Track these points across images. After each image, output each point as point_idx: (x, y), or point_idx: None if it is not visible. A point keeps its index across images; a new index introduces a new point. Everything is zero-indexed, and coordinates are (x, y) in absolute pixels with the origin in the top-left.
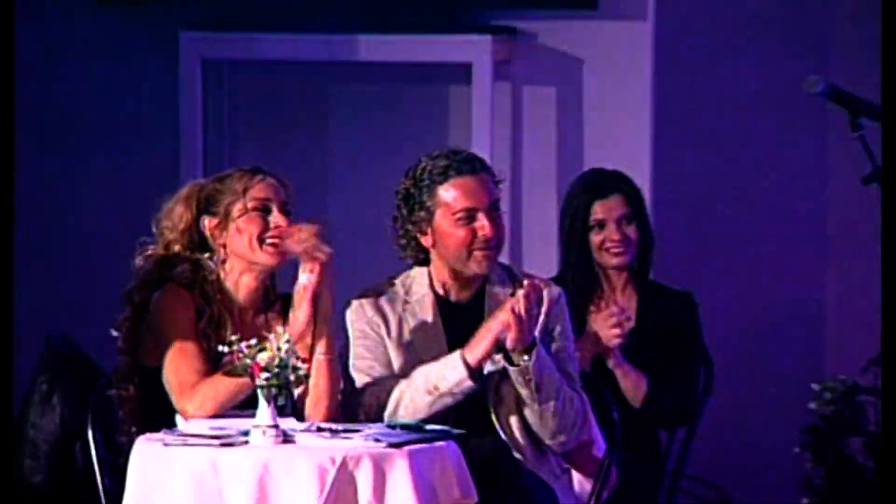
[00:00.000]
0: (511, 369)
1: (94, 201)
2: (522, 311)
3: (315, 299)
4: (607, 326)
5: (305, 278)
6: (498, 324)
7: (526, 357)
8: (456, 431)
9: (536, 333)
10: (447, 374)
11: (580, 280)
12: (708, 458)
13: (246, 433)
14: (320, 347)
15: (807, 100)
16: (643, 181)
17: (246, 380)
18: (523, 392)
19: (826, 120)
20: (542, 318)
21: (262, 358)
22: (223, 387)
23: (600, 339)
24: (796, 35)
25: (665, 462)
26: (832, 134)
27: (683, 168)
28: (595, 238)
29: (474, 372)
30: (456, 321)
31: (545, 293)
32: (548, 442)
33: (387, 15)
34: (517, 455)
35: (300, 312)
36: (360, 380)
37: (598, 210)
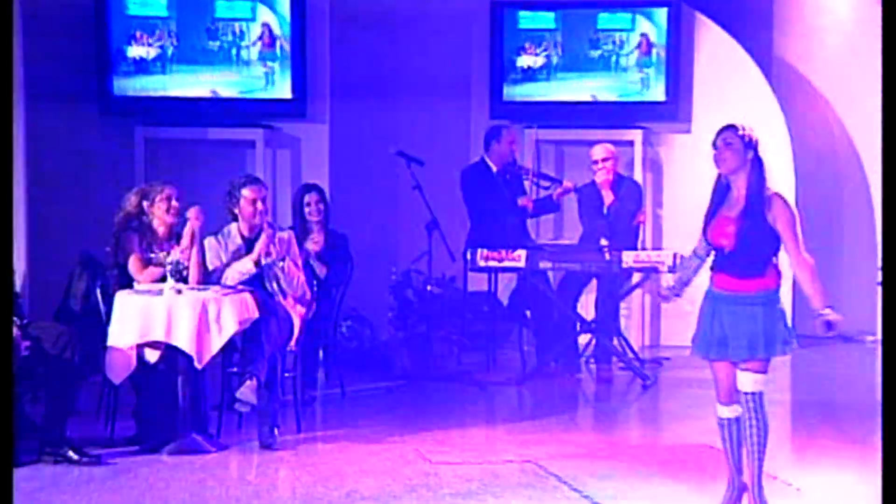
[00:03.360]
0: (271, 267)
1: (97, 205)
2: (273, 241)
3: (193, 236)
4: (314, 248)
5: (188, 226)
6: (263, 246)
7: (281, 263)
8: (250, 289)
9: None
10: (245, 265)
11: (300, 229)
12: (354, 300)
13: (162, 291)
14: (193, 257)
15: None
16: (327, 187)
17: (162, 269)
18: (280, 275)
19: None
20: (284, 244)
21: (169, 259)
22: (153, 271)
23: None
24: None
25: (336, 302)
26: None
27: (346, 183)
28: (306, 210)
29: (257, 264)
30: (249, 245)
31: (286, 234)
32: (288, 293)
33: (221, 119)
34: (276, 299)
35: (185, 240)
36: (211, 267)
37: (307, 199)
